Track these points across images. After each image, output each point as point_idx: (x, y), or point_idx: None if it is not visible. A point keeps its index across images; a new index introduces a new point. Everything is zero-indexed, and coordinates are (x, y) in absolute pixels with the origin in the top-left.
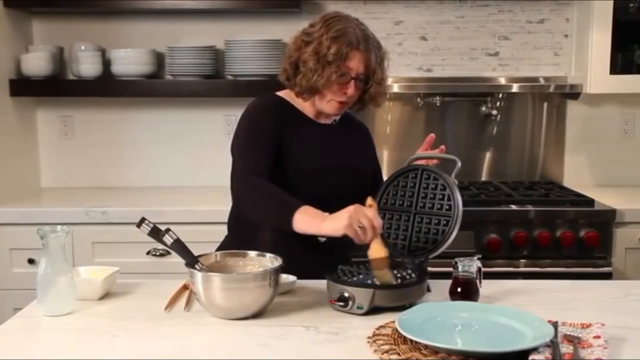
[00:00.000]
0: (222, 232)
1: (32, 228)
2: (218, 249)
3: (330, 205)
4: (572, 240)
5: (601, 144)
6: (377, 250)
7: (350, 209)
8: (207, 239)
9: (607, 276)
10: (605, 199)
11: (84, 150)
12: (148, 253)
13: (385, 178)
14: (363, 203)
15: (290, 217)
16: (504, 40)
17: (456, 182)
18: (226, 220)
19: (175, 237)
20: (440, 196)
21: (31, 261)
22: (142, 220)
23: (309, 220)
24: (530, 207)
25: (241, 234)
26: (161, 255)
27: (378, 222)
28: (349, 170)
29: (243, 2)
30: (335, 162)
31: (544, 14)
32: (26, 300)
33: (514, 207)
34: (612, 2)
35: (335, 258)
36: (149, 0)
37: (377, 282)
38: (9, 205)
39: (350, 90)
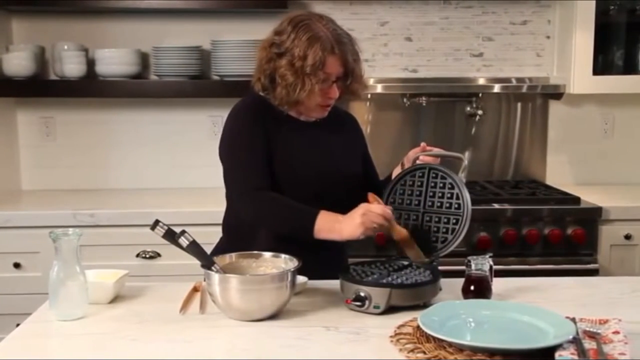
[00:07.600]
0: (213, 233)
1: (17, 232)
2: (213, 251)
3: (320, 208)
4: (560, 237)
5: (582, 143)
6: (399, 232)
7: (359, 211)
8: (199, 240)
9: (594, 272)
10: (587, 197)
11: (65, 152)
12: (137, 255)
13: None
14: (354, 204)
15: (312, 226)
16: (488, 42)
17: (464, 180)
18: (216, 221)
19: (191, 239)
20: (449, 195)
21: (17, 265)
22: (157, 222)
23: (329, 228)
24: (518, 206)
25: (238, 236)
26: (151, 257)
27: (387, 212)
28: (338, 173)
29: (229, 2)
30: (323, 165)
31: (526, 15)
32: (11, 306)
33: (503, 205)
34: (594, 3)
35: (332, 258)
36: (134, 0)
37: (414, 261)
38: None
39: (333, 92)
